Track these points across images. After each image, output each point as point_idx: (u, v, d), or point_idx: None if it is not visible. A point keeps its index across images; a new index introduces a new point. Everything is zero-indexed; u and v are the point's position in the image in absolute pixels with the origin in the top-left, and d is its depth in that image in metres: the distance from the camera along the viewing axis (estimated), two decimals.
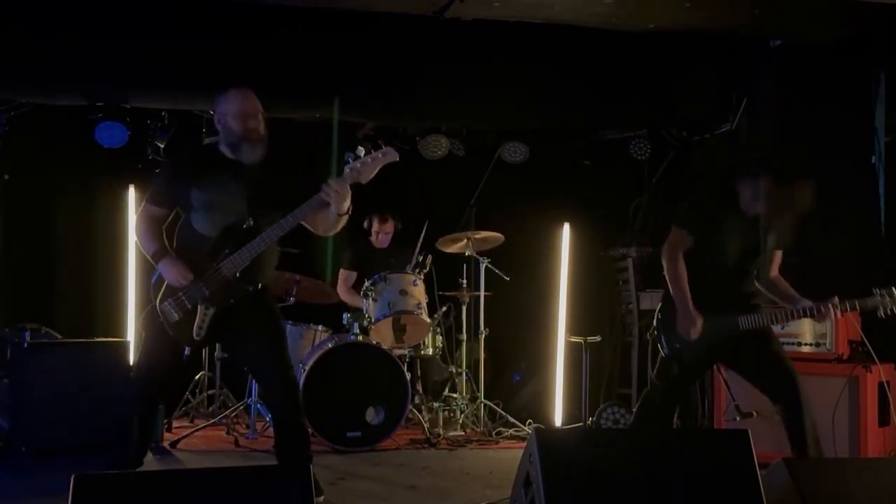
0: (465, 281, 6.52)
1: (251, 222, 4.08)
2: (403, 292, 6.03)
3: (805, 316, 4.30)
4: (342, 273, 6.79)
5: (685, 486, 3.19)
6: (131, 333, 6.30)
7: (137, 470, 4.08)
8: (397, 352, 6.08)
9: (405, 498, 4.65)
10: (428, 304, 6.16)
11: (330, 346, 5.84)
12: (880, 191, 5.56)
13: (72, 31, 5.51)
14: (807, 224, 4.30)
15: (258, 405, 5.98)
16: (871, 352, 4.65)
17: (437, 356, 6.53)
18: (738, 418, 5.10)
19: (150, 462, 4.78)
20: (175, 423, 6.23)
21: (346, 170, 3.98)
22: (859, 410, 5.03)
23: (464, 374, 6.45)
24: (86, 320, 6.45)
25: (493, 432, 6.26)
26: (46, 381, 5.19)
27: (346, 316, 6.19)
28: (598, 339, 6.49)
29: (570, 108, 6.55)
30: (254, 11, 5.47)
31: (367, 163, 3.98)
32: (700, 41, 5.95)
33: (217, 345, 6.20)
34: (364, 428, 5.71)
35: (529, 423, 6.38)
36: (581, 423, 6.29)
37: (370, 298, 6.06)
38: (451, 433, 6.21)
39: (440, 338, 6.42)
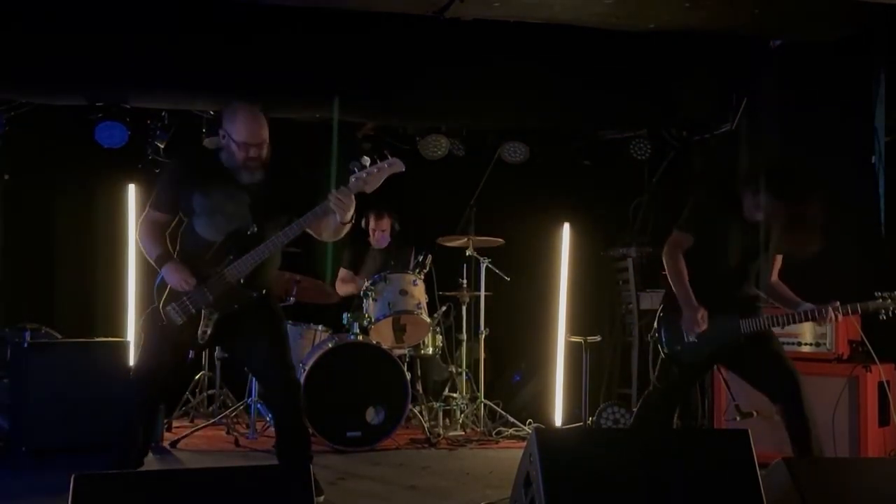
0: (465, 281, 6.51)
1: (255, 228, 4.09)
2: (403, 292, 6.03)
3: (806, 320, 4.31)
4: (342, 272, 6.78)
5: (685, 486, 3.19)
6: (131, 333, 6.29)
7: (137, 470, 4.09)
8: (397, 352, 6.08)
9: (405, 498, 4.65)
10: (428, 303, 6.16)
11: (330, 345, 5.84)
12: (880, 191, 5.56)
13: (72, 31, 5.51)
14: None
15: (258, 405, 5.98)
16: (871, 352, 4.65)
17: (438, 356, 6.52)
18: (738, 418, 5.10)
19: (150, 462, 4.77)
20: (175, 423, 6.23)
21: (352, 179, 4.00)
22: (859, 410, 5.03)
23: (464, 373, 6.44)
24: (86, 320, 6.44)
25: (493, 432, 6.26)
26: (46, 381, 5.19)
27: (346, 316, 6.18)
28: (598, 339, 6.49)
29: (570, 108, 6.55)
30: (254, 11, 5.46)
31: (373, 173, 4.00)
32: (700, 41, 5.94)
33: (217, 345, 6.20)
34: (364, 428, 5.71)
35: (529, 423, 6.38)
36: (581, 423, 6.28)
37: (370, 298, 6.06)
38: (451, 433, 6.21)
39: (440, 337, 6.41)
